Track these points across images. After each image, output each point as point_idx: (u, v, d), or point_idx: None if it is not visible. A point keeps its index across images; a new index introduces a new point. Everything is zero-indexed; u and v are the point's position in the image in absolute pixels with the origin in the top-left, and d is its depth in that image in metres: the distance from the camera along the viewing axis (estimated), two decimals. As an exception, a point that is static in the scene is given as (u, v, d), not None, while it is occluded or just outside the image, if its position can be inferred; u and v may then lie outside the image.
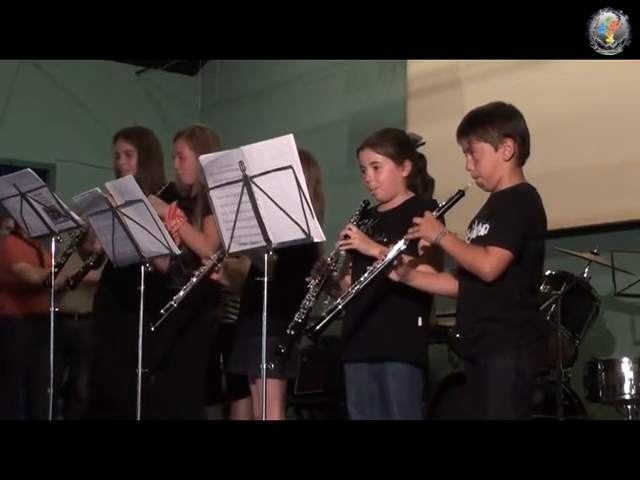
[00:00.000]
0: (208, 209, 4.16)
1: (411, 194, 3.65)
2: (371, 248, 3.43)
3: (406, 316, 3.51)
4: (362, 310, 3.44)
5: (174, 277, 4.27)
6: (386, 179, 3.58)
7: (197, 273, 3.86)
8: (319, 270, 3.49)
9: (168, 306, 3.81)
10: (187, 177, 4.38)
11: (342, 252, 3.50)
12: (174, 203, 4.31)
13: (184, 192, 4.43)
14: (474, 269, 3.15)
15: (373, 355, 3.52)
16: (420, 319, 3.54)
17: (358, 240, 3.44)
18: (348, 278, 3.63)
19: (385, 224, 3.58)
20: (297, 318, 3.43)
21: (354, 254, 3.52)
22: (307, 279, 3.50)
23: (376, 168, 3.58)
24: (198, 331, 4.27)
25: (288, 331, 3.40)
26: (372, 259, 3.35)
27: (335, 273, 3.54)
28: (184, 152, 4.36)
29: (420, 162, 3.74)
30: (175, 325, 4.05)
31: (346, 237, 3.45)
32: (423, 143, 3.85)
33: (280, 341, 3.40)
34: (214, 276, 3.89)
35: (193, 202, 4.32)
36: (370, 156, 3.59)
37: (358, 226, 3.58)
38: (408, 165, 3.61)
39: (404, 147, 3.62)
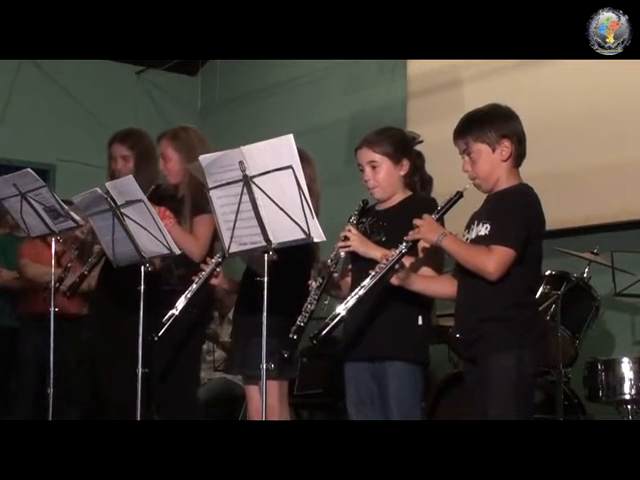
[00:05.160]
0: (197, 210, 4.19)
1: (409, 192, 3.65)
2: (370, 250, 3.43)
3: (406, 315, 3.50)
4: (363, 310, 3.43)
5: (166, 277, 4.26)
6: (384, 178, 3.58)
7: (196, 279, 3.81)
8: (320, 272, 3.49)
9: (170, 315, 3.77)
10: (172, 178, 4.37)
11: (342, 254, 3.50)
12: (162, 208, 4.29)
13: (170, 192, 4.41)
14: (478, 269, 3.16)
15: (373, 355, 3.51)
16: (421, 318, 3.53)
17: (357, 242, 3.44)
18: (348, 279, 3.63)
19: (383, 223, 3.58)
20: (299, 322, 3.42)
21: (354, 255, 3.52)
22: (309, 282, 3.50)
23: (374, 167, 3.58)
24: (195, 337, 4.28)
25: (291, 335, 3.39)
26: (372, 261, 3.35)
27: (335, 274, 3.54)
28: (167, 152, 4.35)
29: (418, 160, 3.74)
30: (179, 328, 4.02)
31: (345, 239, 3.45)
32: (421, 141, 3.85)
33: (280, 343, 3.40)
34: (214, 281, 3.85)
35: (180, 203, 4.31)
36: (368, 155, 3.59)
37: (357, 225, 3.58)
38: (406, 164, 3.60)
39: (402, 146, 3.61)
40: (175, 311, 3.78)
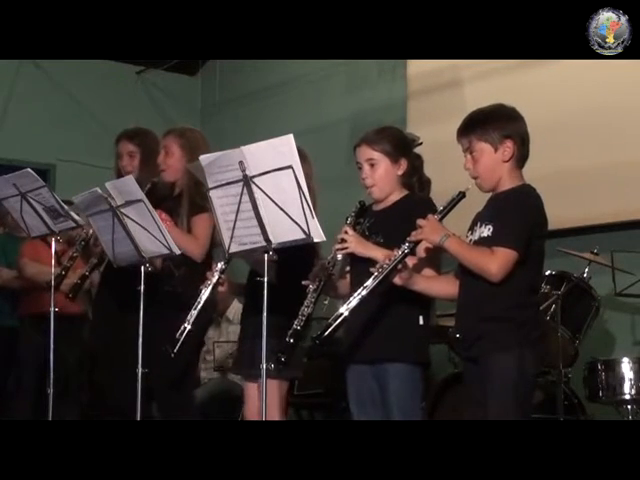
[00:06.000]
0: (195, 209, 4.18)
1: (405, 192, 3.66)
2: (368, 251, 3.43)
3: (407, 316, 3.51)
4: (363, 312, 3.43)
5: (166, 279, 4.26)
6: (382, 177, 3.59)
7: (204, 289, 3.74)
8: (317, 275, 3.50)
9: (182, 329, 3.70)
10: (169, 174, 4.36)
11: (339, 256, 3.50)
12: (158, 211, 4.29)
13: (166, 190, 4.40)
14: (480, 270, 3.15)
15: (374, 357, 3.52)
16: (421, 318, 3.53)
17: (354, 243, 3.44)
18: (346, 280, 3.64)
19: (380, 224, 3.58)
20: (296, 325, 3.43)
21: (352, 256, 3.52)
22: (305, 282, 3.50)
23: (372, 165, 3.59)
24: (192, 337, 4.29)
25: (287, 339, 3.40)
26: (370, 261, 3.35)
27: (333, 276, 3.54)
28: (172, 148, 4.35)
29: (417, 161, 3.75)
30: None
31: (343, 241, 3.45)
32: (420, 143, 3.86)
33: (280, 344, 3.40)
34: (220, 289, 3.83)
35: (176, 202, 4.30)
36: (366, 153, 3.60)
37: (354, 227, 3.58)
38: (404, 163, 3.61)
39: (401, 145, 3.63)
40: (187, 325, 3.71)
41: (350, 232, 3.47)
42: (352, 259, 3.56)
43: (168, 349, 3.71)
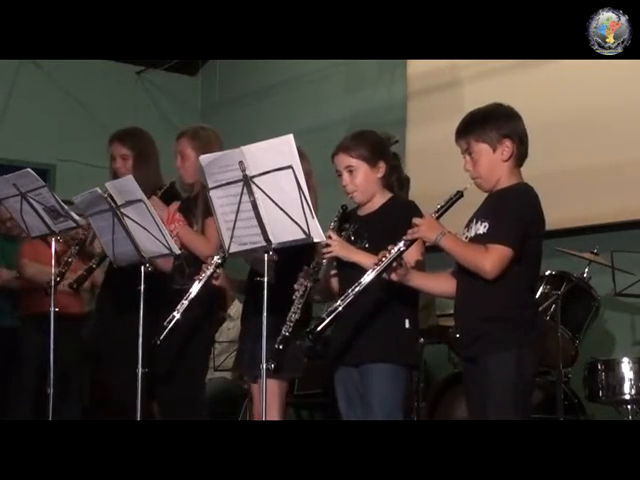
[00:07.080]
0: (208, 210, 4.17)
1: (388, 195, 3.67)
2: (352, 255, 3.46)
3: (393, 320, 3.54)
4: (349, 316, 3.44)
5: (177, 277, 4.26)
6: (362, 182, 3.61)
7: (197, 281, 3.80)
8: (302, 280, 3.51)
9: (171, 318, 3.76)
10: (188, 176, 4.37)
11: (323, 261, 3.52)
12: (173, 205, 4.30)
13: (185, 192, 4.42)
14: (475, 267, 3.16)
15: (359, 360, 3.56)
16: (407, 321, 3.55)
17: (338, 248, 3.47)
18: (333, 284, 3.67)
19: (365, 229, 3.60)
20: (284, 332, 3.47)
21: (339, 261, 3.54)
22: (296, 286, 3.52)
23: (351, 172, 3.61)
24: (202, 337, 4.29)
25: (276, 346, 3.43)
26: (357, 266, 3.37)
27: (318, 281, 3.58)
28: (186, 151, 4.35)
29: (395, 160, 3.76)
30: (183, 328, 4.00)
31: (327, 245, 3.46)
32: (396, 141, 3.87)
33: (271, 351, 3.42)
34: (215, 282, 3.85)
35: (193, 202, 4.32)
36: (344, 160, 3.62)
37: (339, 232, 3.59)
38: (382, 166, 3.63)
39: (378, 149, 3.65)
40: (177, 314, 3.77)
41: (334, 237, 3.49)
42: (339, 264, 3.59)
43: (155, 338, 3.74)
